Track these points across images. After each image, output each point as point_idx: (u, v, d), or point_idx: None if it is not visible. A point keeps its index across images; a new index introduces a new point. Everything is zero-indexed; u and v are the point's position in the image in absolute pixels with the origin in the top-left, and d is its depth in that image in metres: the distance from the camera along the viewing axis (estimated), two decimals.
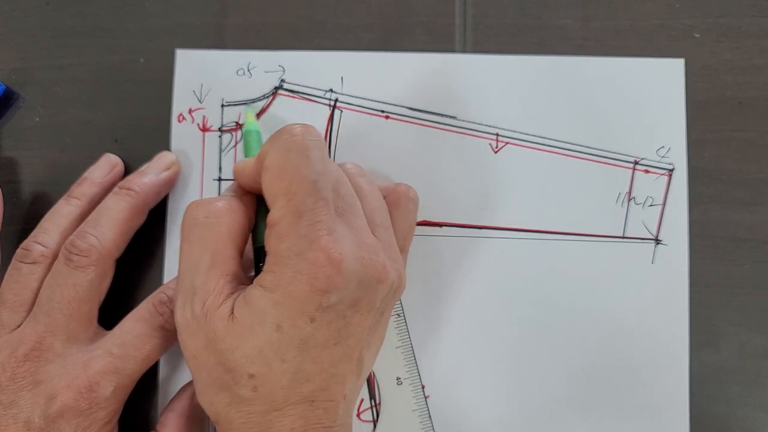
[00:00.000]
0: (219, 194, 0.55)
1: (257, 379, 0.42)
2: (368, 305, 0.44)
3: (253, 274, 0.48)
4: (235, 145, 0.56)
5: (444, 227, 0.55)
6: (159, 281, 0.55)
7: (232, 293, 0.44)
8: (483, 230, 0.55)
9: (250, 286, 0.44)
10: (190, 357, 0.44)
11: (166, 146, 0.56)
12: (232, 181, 0.53)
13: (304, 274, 0.41)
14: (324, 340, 0.43)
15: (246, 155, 0.52)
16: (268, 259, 0.43)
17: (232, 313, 0.43)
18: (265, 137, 0.53)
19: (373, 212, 0.48)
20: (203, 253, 0.45)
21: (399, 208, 0.50)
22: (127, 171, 0.56)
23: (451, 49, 0.57)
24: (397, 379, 0.54)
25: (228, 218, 0.46)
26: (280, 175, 0.44)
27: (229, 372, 0.43)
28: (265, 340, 0.42)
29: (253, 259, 0.49)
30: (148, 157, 0.55)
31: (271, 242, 0.43)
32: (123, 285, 0.54)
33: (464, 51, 0.57)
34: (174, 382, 0.55)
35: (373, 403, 0.54)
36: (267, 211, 0.45)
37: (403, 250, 0.50)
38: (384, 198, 0.50)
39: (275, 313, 0.42)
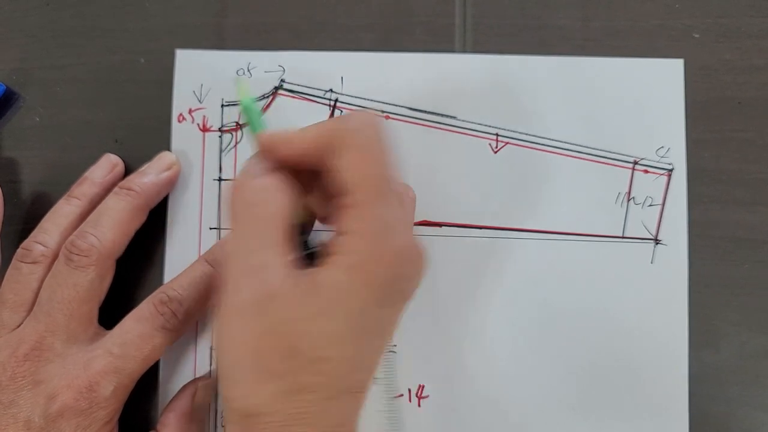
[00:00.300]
0: (219, 193, 0.56)
1: (326, 364, 0.41)
2: (412, 296, 0.44)
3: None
4: (235, 145, 0.56)
5: (444, 227, 0.55)
6: (159, 281, 0.55)
7: (292, 274, 0.42)
8: (483, 230, 0.55)
9: (325, 266, 0.42)
10: (239, 344, 0.41)
11: (167, 146, 0.56)
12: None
13: (389, 258, 0.41)
14: (381, 329, 0.43)
15: (254, 131, 0.47)
16: (342, 239, 0.42)
17: (305, 294, 0.41)
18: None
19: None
20: (259, 231, 0.43)
21: None
22: (128, 171, 0.56)
23: (451, 50, 0.57)
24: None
25: (280, 195, 0.44)
26: (367, 157, 0.43)
27: (293, 357, 0.40)
28: (342, 323, 0.41)
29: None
30: (148, 157, 0.55)
31: (350, 223, 0.42)
32: (123, 285, 0.54)
33: (464, 51, 0.57)
34: (174, 381, 0.55)
35: None
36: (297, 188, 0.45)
37: None
38: None
39: (353, 297, 0.41)
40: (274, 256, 0.42)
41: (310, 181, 0.46)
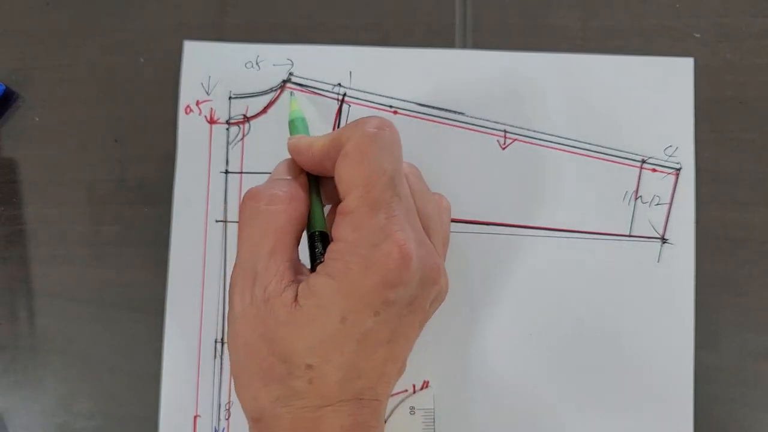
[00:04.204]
0: (226, 186, 0.55)
1: (314, 371, 0.41)
2: (420, 305, 0.44)
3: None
4: (242, 138, 0.55)
5: (450, 223, 0.54)
6: (163, 275, 0.55)
7: (293, 280, 0.43)
8: (489, 226, 0.55)
9: (315, 273, 0.43)
10: (241, 345, 0.43)
11: (166, 146, 0.56)
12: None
13: (377, 265, 0.41)
14: (381, 337, 0.42)
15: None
16: (334, 246, 0.43)
17: (296, 300, 0.42)
18: (272, 132, 0.53)
19: (429, 218, 0.47)
20: (265, 239, 0.44)
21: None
22: (127, 171, 0.56)
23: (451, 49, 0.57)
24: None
25: (289, 206, 0.44)
26: (362, 164, 0.43)
27: (285, 362, 0.42)
28: (328, 331, 0.41)
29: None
30: (148, 157, 0.56)
31: (343, 230, 0.42)
32: (126, 278, 0.55)
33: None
34: (177, 379, 0.54)
35: None
36: (318, 194, 0.46)
37: None
38: None
39: (342, 304, 0.41)
40: (276, 262, 0.43)
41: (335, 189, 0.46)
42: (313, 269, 0.44)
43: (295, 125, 0.52)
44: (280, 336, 0.42)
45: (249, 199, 0.45)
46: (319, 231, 0.46)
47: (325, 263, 0.43)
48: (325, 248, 0.44)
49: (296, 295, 0.42)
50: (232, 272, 0.45)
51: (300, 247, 0.46)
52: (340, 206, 0.43)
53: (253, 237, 0.44)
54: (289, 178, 0.47)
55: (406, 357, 0.46)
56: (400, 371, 0.46)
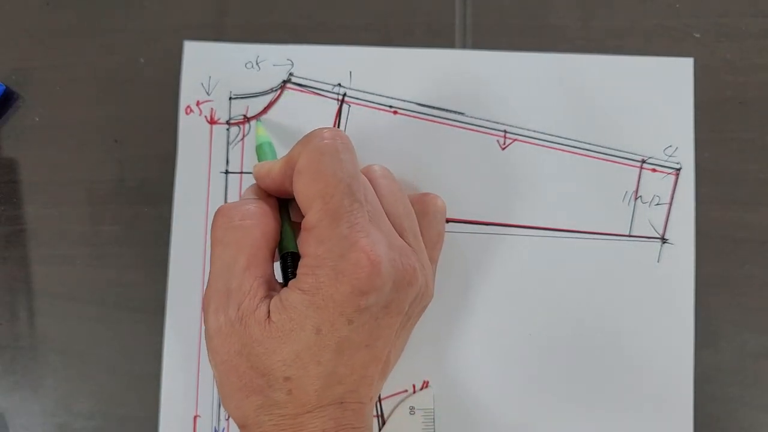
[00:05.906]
0: (226, 186, 0.55)
1: (293, 383, 0.42)
2: (398, 308, 0.44)
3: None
4: (242, 138, 0.55)
5: (450, 223, 0.55)
6: (163, 275, 0.55)
7: (266, 296, 0.44)
8: (489, 227, 0.55)
9: (286, 289, 0.43)
10: (219, 362, 0.44)
11: (166, 146, 0.56)
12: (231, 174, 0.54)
13: (346, 275, 0.41)
14: (358, 343, 0.43)
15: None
16: (304, 261, 0.43)
17: (269, 316, 0.43)
18: (275, 131, 0.53)
19: (401, 218, 0.47)
20: (238, 255, 0.44)
21: (426, 217, 0.50)
22: (125, 171, 0.56)
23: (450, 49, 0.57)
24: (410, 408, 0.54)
25: (262, 220, 0.45)
26: (316, 178, 0.43)
27: (263, 376, 0.42)
28: (303, 343, 0.42)
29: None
30: (147, 157, 0.55)
31: (309, 245, 0.43)
32: (126, 279, 0.55)
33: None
34: (177, 380, 0.54)
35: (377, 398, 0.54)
36: (289, 215, 0.47)
37: (432, 260, 0.50)
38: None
39: (315, 317, 0.42)
40: (249, 279, 0.44)
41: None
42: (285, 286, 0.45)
43: (262, 150, 0.52)
44: (257, 353, 0.42)
45: (221, 215, 0.46)
46: (290, 252, 0.46)
47: (296, 278, 0.43)
48: (296, 268, 0.44)
49: (269, 312, 0.43)
50: (206, 290, 0.45)
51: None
52: (304, 222, 0.44)
53: (227, 253, 0.45)
54: (256, 197, 0.48)
55: (396, 357, 0.48)
56: (385, 371, 0.47)
